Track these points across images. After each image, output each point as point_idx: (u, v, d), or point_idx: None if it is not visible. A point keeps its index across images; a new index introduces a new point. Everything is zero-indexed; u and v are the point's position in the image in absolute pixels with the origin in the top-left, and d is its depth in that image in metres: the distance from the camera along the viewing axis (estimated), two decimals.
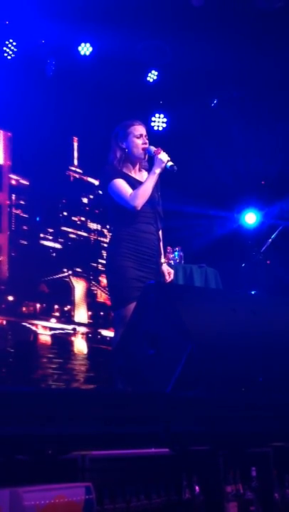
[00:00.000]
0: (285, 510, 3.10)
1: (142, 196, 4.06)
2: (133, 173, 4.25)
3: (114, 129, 4.30)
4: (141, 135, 4.20)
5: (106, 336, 7.82)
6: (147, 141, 4.21)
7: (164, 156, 4.11)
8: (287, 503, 3.13)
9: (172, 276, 4.37)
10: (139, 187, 4.09)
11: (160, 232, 4.28)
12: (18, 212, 7.38)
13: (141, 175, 4.27)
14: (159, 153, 4.12)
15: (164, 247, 4.55)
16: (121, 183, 4.11)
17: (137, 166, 4.28)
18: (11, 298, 7.06)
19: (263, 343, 3.30)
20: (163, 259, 4.42)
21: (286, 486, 3.15)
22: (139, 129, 4.22)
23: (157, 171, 4.10)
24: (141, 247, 4.10)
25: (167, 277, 4.30)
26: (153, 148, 4.16)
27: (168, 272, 4.33)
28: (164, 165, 4.10)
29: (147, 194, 4.08)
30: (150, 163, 4.23)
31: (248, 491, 2.98)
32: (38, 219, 7.45)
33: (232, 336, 3.23)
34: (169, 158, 4.12)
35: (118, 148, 4.21)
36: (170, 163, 4.11)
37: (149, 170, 4.24)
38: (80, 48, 7.22)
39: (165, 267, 4.34)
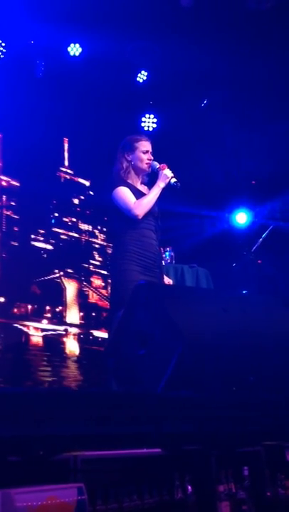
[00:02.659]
0: (277, 508, 3.11)
1: (145, 206, 4.25)
2: (136, 184, 4.40)
3: (121, 141, 4.49)
4: (147, 151, 4.41)
5: (98, 337, 7.82)
6: (152, 157, 4.42)
7: (168, 172, 4.32)
8: (279, 502, 3.13)
9: None
10: (144, 197, 4.28)
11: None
12: (8, 213, 7.35)
13: (143, 188, 4.44)
14: (164, 168, 4.33)
15: None
16: (125, 191, 4.28)
17: (140, 179, 4.45)
18: (2, 299, 7.04)
19: (254, 343, 3.31)
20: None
21: (278, 485, 3.16)
22: (146, 145, 4.43)
23: (161, 185, 4.31)
24: (145, 251, 4.25)
25: None
26: (157, 164, 4.37)
27: (168, 282, 4.52)
28: (168, 180, 4.30)
29: (150, 205, 4.28)
30: (151, 179, 4.43)
31: (240, 490, 2.99)
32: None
33: (223, 335, 3.24)
34: (172, 175, 4.32)
35: (124, 160, 4.41)
36: (174, 180, 4.31)
37: (148, 185, 4.43)
38: (69, 49, 7.21)
39: (166, 278, 4.52)
